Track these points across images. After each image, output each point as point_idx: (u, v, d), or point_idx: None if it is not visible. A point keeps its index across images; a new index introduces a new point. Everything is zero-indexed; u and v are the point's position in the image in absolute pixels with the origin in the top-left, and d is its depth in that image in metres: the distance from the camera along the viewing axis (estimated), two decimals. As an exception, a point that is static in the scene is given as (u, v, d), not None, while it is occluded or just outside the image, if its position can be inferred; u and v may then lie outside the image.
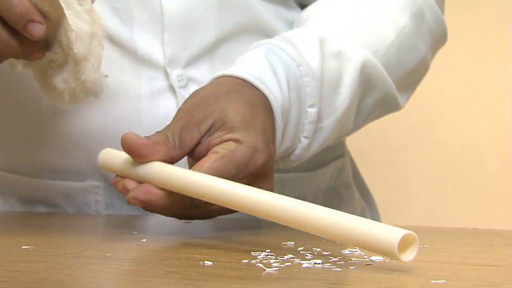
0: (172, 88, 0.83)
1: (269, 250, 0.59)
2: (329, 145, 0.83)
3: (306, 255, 0.57)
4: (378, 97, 0.84)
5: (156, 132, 0.67)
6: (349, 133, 0.85)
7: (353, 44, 0.81)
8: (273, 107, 0.72)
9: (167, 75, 0.83)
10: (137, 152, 0.65)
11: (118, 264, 0.55)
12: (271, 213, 0.58)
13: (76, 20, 0.69)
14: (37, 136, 0.86)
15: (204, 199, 0.63)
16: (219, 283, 0.49)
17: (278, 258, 0.56)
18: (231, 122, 0.68)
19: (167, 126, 0.68)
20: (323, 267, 0.53)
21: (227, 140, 0.67)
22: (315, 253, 0.58)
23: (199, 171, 0.65)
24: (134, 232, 0.70)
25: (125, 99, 0.83)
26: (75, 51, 0.69)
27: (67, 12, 0.69)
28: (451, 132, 1.73)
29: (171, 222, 0.73)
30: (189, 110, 0.69)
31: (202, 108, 0.69)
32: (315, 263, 0.54)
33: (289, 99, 0.74)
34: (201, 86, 0.73)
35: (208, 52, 0.84)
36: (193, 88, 0.82)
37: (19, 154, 0.90)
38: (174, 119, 0.69)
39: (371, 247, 0.52)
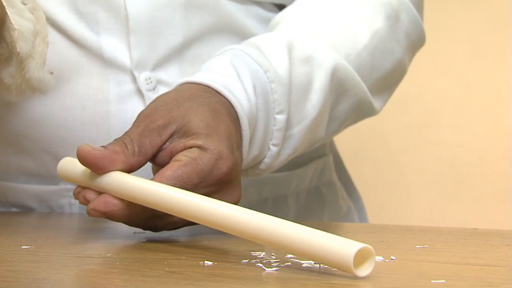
0: (140, 92, 0.82)
1: (269, 250, 0.59)
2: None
3: (306, 255, 0.57)
4: (351, 102, 0.82)
5: (114, 140, 0.65)
6: (322, 140, 0.82)
7: (323, 49, 0.78)
8: (238, 114, 0.70)
9: (134, 79, 0.82)
10: (93, 165, 0.63)
11: (118, 264, 0.55)
12: (228, 225, 0.56)
13: (19, 19, 0.69)
14: (6, 141, 0.86)
15: (161, 210, 0.61)
16: (219, 283, 0.49)
17: (278, 258, 0.56)
18: (194, 129, 0.65)
19: (125, 132, 0.65)
20: (323, 267, 0.53)
21: (190, 147, 0.65)
22: (315, 253, 0.58)
23: (161, 180, 0.62)
24: (133, 232, 0.70)
25: (93, 103, 0.82)
26: (18, 50, 0.69)
27: (9, 10, 0.68)
28: (451, 132, 1.73)
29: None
30: (148, 115, 0.66)
31: (163, 113, 0.66)
32: (315, 263, 0.54)
33: (256, 106, 0.72)
34: (171, 88, 0.72)
35: (176, 53, 0.83)
36: (162, 91, 0.80)
37: None
38: (133, 124, 0.66)
39: (328, 262, 0.51)
